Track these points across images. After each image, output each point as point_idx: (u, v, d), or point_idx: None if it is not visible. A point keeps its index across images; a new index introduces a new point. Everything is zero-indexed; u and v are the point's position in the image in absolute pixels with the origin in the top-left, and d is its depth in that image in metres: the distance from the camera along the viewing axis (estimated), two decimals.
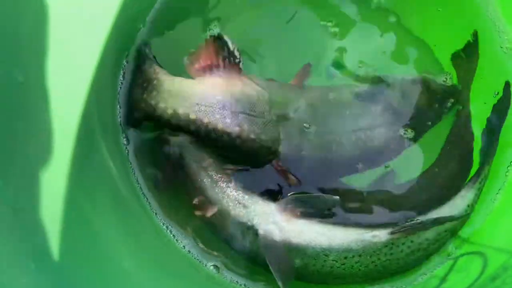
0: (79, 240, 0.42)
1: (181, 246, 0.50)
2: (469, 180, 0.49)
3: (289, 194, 0.49)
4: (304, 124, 0.50)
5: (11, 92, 0.36)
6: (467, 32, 0.53)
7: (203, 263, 0.50)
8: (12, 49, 0.37)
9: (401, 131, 0.51)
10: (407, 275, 0.49)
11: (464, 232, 0.50)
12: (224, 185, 0.48)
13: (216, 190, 0.48)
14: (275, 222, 0.46)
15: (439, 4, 0.54)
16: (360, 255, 0.46)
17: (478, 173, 0.49)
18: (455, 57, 0.53)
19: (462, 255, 0.49)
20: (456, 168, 0.51)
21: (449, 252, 0.50)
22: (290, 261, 0.46)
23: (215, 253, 0.50)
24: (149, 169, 0.52)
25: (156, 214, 0.51)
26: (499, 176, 0.51)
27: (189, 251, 0.50)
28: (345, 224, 0.47)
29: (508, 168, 0.51)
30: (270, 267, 0.45)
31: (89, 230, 0.43)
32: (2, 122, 0.35)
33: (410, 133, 0.51)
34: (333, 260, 0.46)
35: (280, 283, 0.45)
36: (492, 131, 0.50)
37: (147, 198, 0.51)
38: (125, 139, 0.51)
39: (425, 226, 0.47)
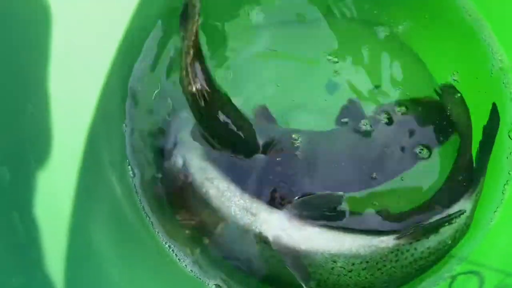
0: (83, 261, 0.43)
1: (183, 265, 0.50)
2: (467, 192, 0.50)
3: (295, 199, 0.49)
4: (293, 135, 0.52)
5: (22, 122, 0.38)
6: (463, 54, 0.55)
7: (205, 283, 0.50)
8: (23, 81, 0.39)
9: (416, 150, 0.53)
10: None
11: (462, 251, 0.51)
12: (230, 194, 0.49)
13: (223, 199, 0.49)
14: (283, 229, 0.47)
15: (434, 25, 0.56)
16: (367, 261, 0.47)
17: (475, 185, 0.50)
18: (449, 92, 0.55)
19: (459, 274, 0.50)
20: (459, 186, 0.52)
21: (447, 270, 0.50)
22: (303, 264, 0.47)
23: (218, 272, 0.51)
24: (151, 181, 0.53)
25: (158, 233, 0.51)
26: (496, 195, 0.52)
27: (191, 271, 0.50)
28: (353, 230, 0.48)
29: (505, 186, 0.52)
30: (289, 268, 0.46)
31: (92, 251, 0.44)
32: (13, 152, 0.37)
33: (426, 153, 0.53)
34: (341, 267, 0.47)
35: (302, 283, 0.46)
36: (484, 148, 0.52)
37: (149, 218, 0.52)
38: (130, 168, 0.52)
39: (428, 229, 0.48)
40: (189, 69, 0.49)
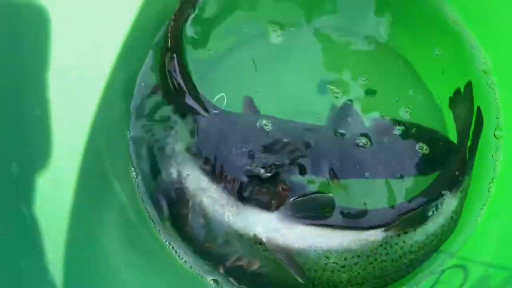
0: (85, 249, 0.45)
1: (183, 261, 0.52)
2: (452, 189, 0.52)
3: (287, 201, 0.50)
4: (264, 122, 0.54)
5: (29, 124, 0.40)
6: (449, 57, 0.57)
7: (204, 278, 0.52)
8: (31, 84, 0.41)
9: (417, 146, 0.54)
10: (397, 286, 0.51)
11: (450, 247, 0.52)
12: (224, 201, 0.51)
13: (217, 207, 0.50)
14: (276, 230, 0.49)
15: (420, 31, 0.58)
16: (358, 256, 0.49)
17: (460, 183, 0.52)
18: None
19: (447, 268, 0.51)
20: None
21: (437, 265, 0.52)
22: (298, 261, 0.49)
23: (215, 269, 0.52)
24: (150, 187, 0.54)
25: (159, 231, 0.53)
26: (482, 192, 0.53)
27: (190, 267, 0.52)
28: (343, 226, 0.50)
29: (490, 184, 0.53)
30: (285, 265, 0.48)
31: (95, 241, 0.46)
32: (21, 150, 0.39)
33: (426, 150, 0.54)
34: (333, 263, 0.48)
35: (299, 278, 0.47)
36: (470, 148, 0.53)
37: (150, 217, 0.53)
38: (133, 168, 0.54)
39: (414, 219, 0.50)
40: (167, 57, 0.54)
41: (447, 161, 0.53)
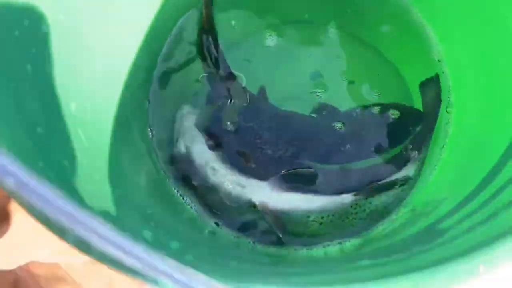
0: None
1: (189, 207, 0.59)
2: (412, 159, 0.60)
3: (277, 174, 0.59)
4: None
5: (82, 80, 0.45)
6: (407, 46, 0.64)
7: (207, 221, 0.59)
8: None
9: (389, 112, 0.60)
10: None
11: (406, 201, 0.60)
12: (224, 171, 0.59)
13: (217, 176, 0.59)
14: (267, 196, 0.58)
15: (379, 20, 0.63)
16: (333, 215, 0.57)
17: (420, 153, 0.60)
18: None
19: (400, 215, 0.59)
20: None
21: (395, 214, 0.59)
22: (282, 221, 0.58)
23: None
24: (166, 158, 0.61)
25: (168, 180, 0.60)
26: (435, 155, 0.61)
27: (196, 211, 0.59)
28: (321, 192, 0.58)
29: (441, 150, 0.61)
30: (270, 225, 0.57)
31: (124, 178, 0.50)
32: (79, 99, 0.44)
33: (396, 114, 0.61)
34: (313, 221, 0.57)
35: (280, 234, 0.57)
36: (428, 126, 0.61)
37: (164, 171, 0.60)
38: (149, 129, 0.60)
39: (380, 188, 0.59)
40: (204, 38, 0.61)
41: (413, 131, 0.61)
